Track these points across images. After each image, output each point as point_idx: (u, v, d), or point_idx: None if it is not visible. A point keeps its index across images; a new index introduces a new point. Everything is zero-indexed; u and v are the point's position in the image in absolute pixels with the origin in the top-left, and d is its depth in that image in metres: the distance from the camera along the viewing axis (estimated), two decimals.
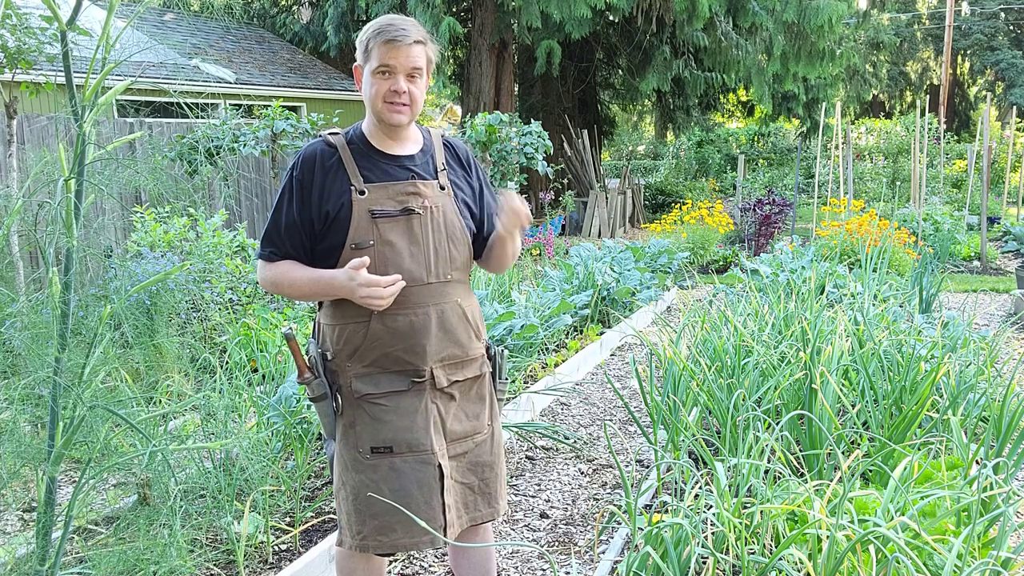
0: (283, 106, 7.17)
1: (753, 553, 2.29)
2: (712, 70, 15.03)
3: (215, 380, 3.26)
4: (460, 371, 2.01)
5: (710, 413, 3.49)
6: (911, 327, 4.13)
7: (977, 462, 2.76)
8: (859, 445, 3.10)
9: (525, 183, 10.03)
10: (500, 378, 2.13)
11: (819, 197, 12.71)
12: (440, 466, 1.93)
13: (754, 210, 10.92)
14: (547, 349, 5.48)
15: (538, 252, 9.50)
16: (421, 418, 1.93)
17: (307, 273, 1.93)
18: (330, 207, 1.90)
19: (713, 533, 2.30)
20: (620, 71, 17.79)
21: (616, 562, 2.69)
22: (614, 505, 3.33)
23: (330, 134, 1.97)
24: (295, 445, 3.09)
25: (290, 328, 1.96)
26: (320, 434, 3.33)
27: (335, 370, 1.95)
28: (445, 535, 1.93)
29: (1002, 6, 27.98)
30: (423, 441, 1.92)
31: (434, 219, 1.95)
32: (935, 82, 29.84)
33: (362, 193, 1.90)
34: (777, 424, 2.69)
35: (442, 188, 2.00)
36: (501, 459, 2.12)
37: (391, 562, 2.87)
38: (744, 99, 21.38)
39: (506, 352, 2.17)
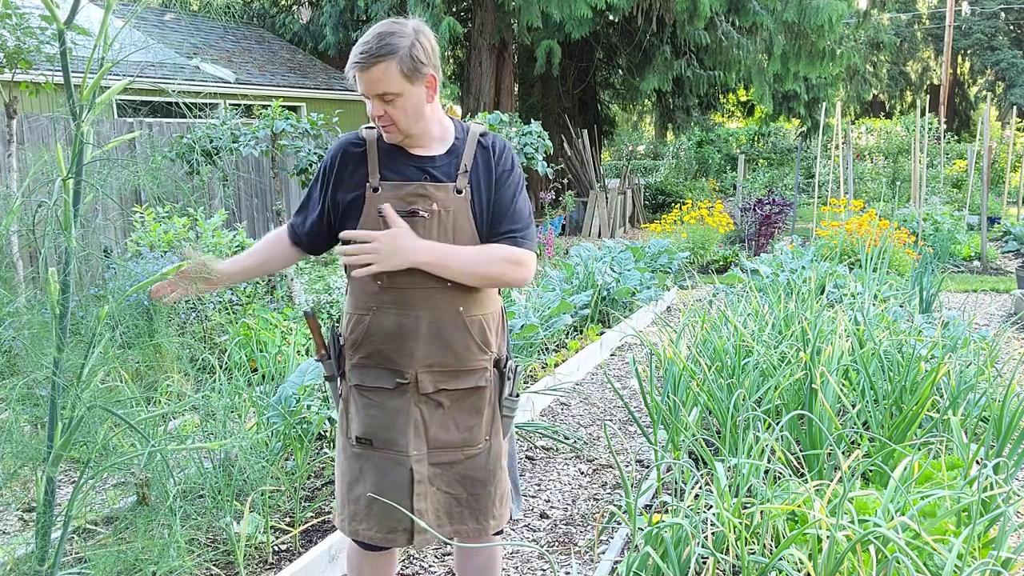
0: (283, 106, 7.15)
1: (753, 553, 2.29)
2: (713, 70, 15.04)
3: (215, 380, 3.26)
4: (453, 380, 1.93)
5: (710, 413, 3.49)
6: (911, 327, 4.12)
7: (977, 462, 2.75)
8: (859, 445, 3.10)
9: (525, 183, 10.02)
10: (509, 394, 2.01)
11: (819, 197, 12.69)
12: (412, 469, 1.91)
13: (754, 210, 10.91)
14: (547, 349, 5.48)
15: (538, 252, 9.49)
16: (401, 419, 1.92)
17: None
18: (347, 196, 1.93)
19: (713, 533, 2.29)
20: (620, 71, 17.79)
21: (616, 562, 2.68)
22: (614, 505, 3.33)
23: (366, 128, 2.00)
24: (295, 445, 3.09)
25: (311, 307, 1.99)
26: (320, 434, 3.33)
27: (344, 355, 2.02)
28: (411, 538, 1.94)
29: (1002, 6, 27.97)
30: (399, 441, 1.92)
31: (441, 223, 1.89)
32: (935, 82, 29.82)
33: (375, 190, 1.91)
34: (777, 424, 2.69)
35: (459, 192, 1.91)
36: (498, 476, 2.01)
37: None
38: (744, 99, 21.38)
39: (520, 368, 2.06)
